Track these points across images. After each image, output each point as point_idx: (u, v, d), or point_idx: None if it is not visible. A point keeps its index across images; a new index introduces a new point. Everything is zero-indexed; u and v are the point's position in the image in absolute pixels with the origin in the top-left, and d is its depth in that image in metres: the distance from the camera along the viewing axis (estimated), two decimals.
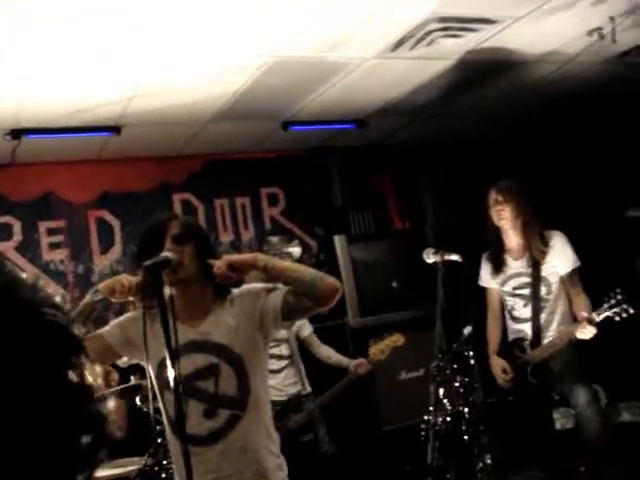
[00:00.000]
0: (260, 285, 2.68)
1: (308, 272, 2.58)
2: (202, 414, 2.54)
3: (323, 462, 4.70)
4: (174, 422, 2.52)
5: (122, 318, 2.71)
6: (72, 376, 0.63)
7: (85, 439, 0.63)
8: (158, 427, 3.84)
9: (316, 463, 4.60)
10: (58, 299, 0.67)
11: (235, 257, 2.65)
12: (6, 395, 0.57)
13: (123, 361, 2.61)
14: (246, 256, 2.67)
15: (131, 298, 2.56)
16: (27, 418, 0.58)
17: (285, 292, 2.56)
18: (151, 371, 2.60)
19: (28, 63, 3.78)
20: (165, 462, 3.92)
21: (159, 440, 3.95)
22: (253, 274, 2.78)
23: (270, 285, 2.66)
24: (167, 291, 2.50)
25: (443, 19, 4.03)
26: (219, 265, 2.53)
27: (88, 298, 2.56)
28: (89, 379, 0.65)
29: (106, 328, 2.68)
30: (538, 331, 4.37)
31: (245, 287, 2.71)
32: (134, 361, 2.67)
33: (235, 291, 2.68)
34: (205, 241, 2.73)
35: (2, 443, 0.56)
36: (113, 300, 2.56)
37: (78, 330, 0.67)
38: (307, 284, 2.50)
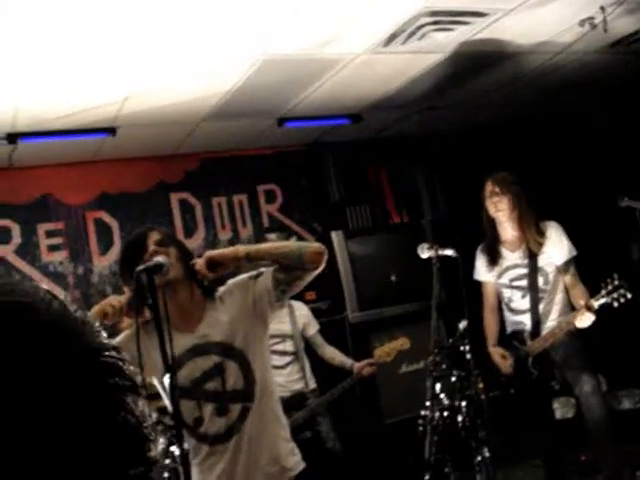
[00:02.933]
0: (244, 275, 2.73)
1: (291, 244, 2.68)
2: (215, 413, 2.60)
3: (326, 458, 4.73)
4: (191, 426, 2.60)
5: (119, 338, 2.70)
6: (128, 417, 0.63)
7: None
8: (159, 427, 3.87)
9: (318, 459, 4.62)
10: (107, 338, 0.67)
11: (215, 252, 2.68)
12: (61, 437, 0.57)
13: None
14: (226, 250, 2.69)
15: (125, 318, 2.59)
16: (80, 459, 0.58)
17: (272, 272, 2.61)
18: (157, 384, 2.63)
19: (22, 67, 3.79)
20: (168, 462, 3.95)
21: (161, 441, 3.97)
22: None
23: (254, 272, 2.70)
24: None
25: (434, 13, 4.03)
26: (200, 262, 2.57)
27: None
28: (146, 419, 0.66)
29: None
30: (537, 322, 4.38)
31: (231, 282, 2.75)
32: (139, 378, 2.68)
33: (222, 288, 2.72)
34: (184, 246, 2.79)
35: None
36: (106, 323, 2.57)
37: (131, 370, 0.68)
38: (294, 255, 2.56)
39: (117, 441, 0.62)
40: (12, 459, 0.55)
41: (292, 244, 2.68)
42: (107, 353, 0.64)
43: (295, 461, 2.70)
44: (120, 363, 0.65)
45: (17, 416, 0.56)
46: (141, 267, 2.38)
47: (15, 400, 0.56)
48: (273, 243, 2.79)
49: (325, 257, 2.59)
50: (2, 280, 0.64)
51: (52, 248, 5.76)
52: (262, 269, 2.67)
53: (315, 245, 2.63)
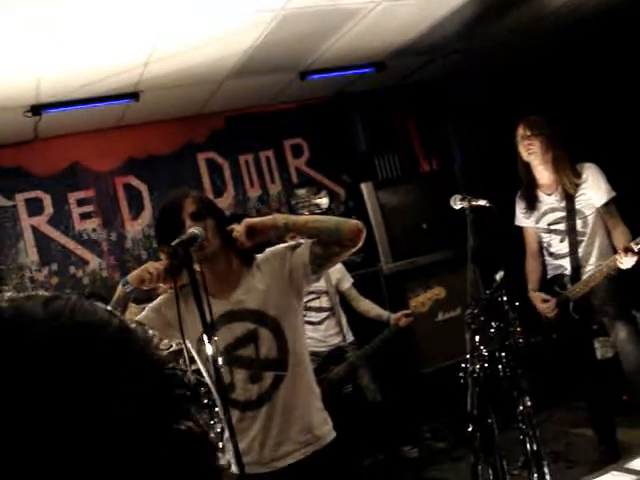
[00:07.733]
0: (283, 245, 2.71)
1: (329, 220, 2.63)
2: (248, 380, 2.60)
3: (366, 411, 4.77)
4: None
5: (157, 302, 2.72)
6: (190, 426, 0.63)
7: None
8: (202, 389, 3.92)
9: (359, 412, 4.66)
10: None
11: (255, 219, 2.65)
12: (134, 449, 0.57)
13: (164, 344, 2.64)
14: (265, 218, 2.67)
15: (161, 284, 2.59)
16: (151, 471, 0.58)
17: (310, 245, 2.59)
18: (191, 348, 2.65)
19: (42, 38, 3.76)
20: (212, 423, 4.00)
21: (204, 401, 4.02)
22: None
23: (293, 243, 2.70)
24: (196, 268, 2.51)
25: None
26: (238, 229, 2.55)
27: (120, 290, 2.57)
28: (207, 428, 0.66)
29: (143, 314, 2.70)
30: (577, 266, 4.33)
31: (269, 250, 2.73)
32: (175, 342, 2.70)
33: (259, 256, 2.71)
34: (221, 213, 2.76)
35: None
36: (144, 288, 2.58)
37: (191, 380, 0.67)
38: (332, 230, 2.54)
39: (185, 451, 0.61)
40: (86, 473, 0.55)
41: (330, 219, 2.63)
42: (169, 365, 0.64)
43: (327, 430, 2.70)
44: (180, 374, 0.65)
45: (90, 431, 0.56)
46: (176, 241, 2.36)
47: (88, 416, 0.56)
48: (312, 216, 2.76)
49: (363, 235, 2.56)
50: (60, 301, 0.63)
51: (84, 216, 5.81)
52: (301, 240, 2.65)
53: (353, 222, 2.58)
